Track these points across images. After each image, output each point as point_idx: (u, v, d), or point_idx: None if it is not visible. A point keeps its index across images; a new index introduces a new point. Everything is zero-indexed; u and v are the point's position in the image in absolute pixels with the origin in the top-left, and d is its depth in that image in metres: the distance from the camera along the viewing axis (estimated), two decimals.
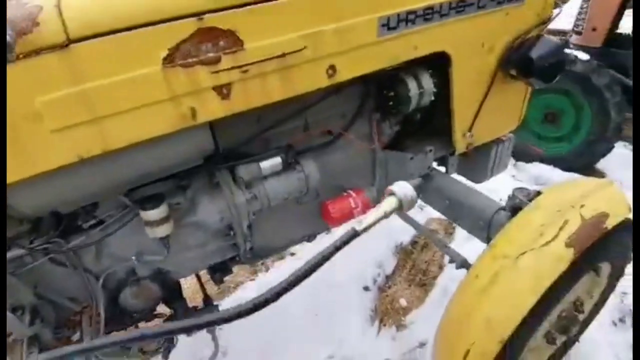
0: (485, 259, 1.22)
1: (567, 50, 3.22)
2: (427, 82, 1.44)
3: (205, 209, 1.29)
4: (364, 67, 1.22)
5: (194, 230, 1.33)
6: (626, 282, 1.63)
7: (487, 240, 1.63)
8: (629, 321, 1.97)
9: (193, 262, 1.42)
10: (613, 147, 3.23)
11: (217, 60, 1.00)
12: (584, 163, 3.33)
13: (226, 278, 1.63)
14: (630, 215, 1.23)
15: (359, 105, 1.51)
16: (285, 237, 1.64)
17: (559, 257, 1.11)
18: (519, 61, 1.51)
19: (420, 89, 1.43)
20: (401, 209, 1.09)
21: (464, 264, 1.60)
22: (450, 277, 2.28)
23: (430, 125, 1.77)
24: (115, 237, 1.21)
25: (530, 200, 1.39)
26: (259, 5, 1.01)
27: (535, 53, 1.46)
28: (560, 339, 1.52)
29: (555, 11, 1.66)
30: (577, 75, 3.11)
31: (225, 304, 2.29)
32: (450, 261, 1.69)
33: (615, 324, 1.98)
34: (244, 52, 1.02)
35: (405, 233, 2.64)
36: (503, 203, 1.62)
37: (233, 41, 1.00)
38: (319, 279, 2.38)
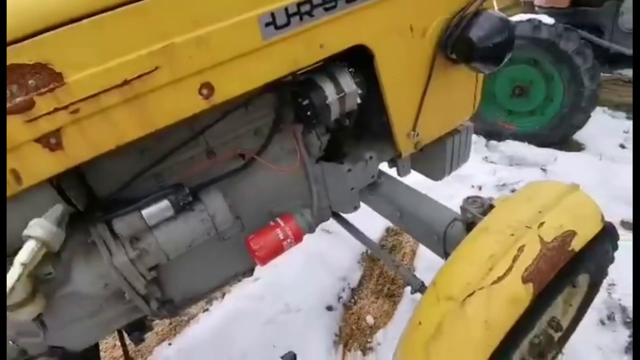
0: (428, 300, 1.00)
1: (528, 16, 2.97)
2: (348, 83, 1.18)
3: (82, 276, 1.03)
4: (251, 80, 0.96)
5: (77, 301, 1.08)
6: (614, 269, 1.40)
7: (445, 256, 1.41)
8: (619, 318, 1.78)
9: (90, 333, 1.18)
10: (589, 116, 3.00)
11: (30, 105, 0.74)
12: (560, 136, 3.12)
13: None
14: (602, 224, 1.01)
15: (275, 118, 1.26)
16: (212, 280, 1.40)
17: (515, 297, 0.88)
18: (457, 44, 1.25)
19: (339, 93, 1.18)
20: (47, 248, 0.89)
21: (419, 289, 1.39)
22: None
23: (367, 128, 1.52)
24: None
25: (484, 214, 1.17)
26: (76, 24, 0.74)
27: (474, 33, 1.21)
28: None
29: None
30: (543, 42, 2.86)
31: (181, 341, 2.06)
32: (405, 284, 1.48)
33: (603, 323, 1.79)
34: (66, 88, 0.75)
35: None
36: (458, 212, 1.40)
37: (48, 77, 0.74)
38: (276, 304, 2.20)
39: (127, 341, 1.48)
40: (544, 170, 2.94)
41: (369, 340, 1.91)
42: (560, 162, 2.96)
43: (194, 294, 1.37)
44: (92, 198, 1.06)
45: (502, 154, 3.23)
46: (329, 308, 2.10)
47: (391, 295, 2.13)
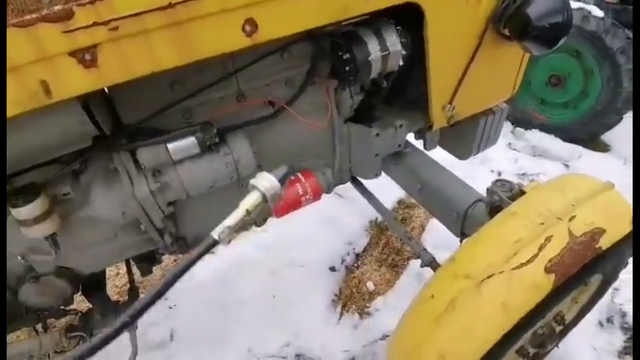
0: (443, 275, 0.99)
1: (578, 4, 2.78)
2: (394, 42, 1.12)
3: (101, 201, 1.03)
4: (297, 23, 0.91)
5: (93, 226, 1.09)
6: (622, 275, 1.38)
7: (461, 236, 1.39)
8: (618, 322, 1.78)
9: (101, 258, 1.20)
10: (622, 118, 2.87)
11: (69, 16, 0.69)
12: (588, 134, 3.01)
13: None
14: (631, 227, 0.97)
15: (309, 69, 1.20)
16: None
17: (535, 285, 0.87)
18: (513, 19, 1.17)
19: (384, 51, 1.12)
20: (266, 204, 0.86)
21: (430, 263, 1.39)
22: None
23: (402, 94, 1.46)
24: None
25: (512, 199, 1.14)
26: None
27: (533, 10, 1.13)
28: (535, 351, 1.33)
29: None
30: (588, 34, 2.71)
31: (183, 279, 2.09)
32: (415, 257, 1.48)
33: (601, 325, 1.80)
34: (108, 3, 0.71)
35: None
36: (483, 193, 1.36)
37: None
38: (282, 257, 2.23)
39: (133, 270, 1.51)
40: (566, 165, 2.86)
41: (368, 305, 1.94)
42: (584, 160, 2.88)
43: (207, 234, 1.38)
44: (118, 124, 1.04)
45: (526, 142, 3.14)
46: (332, 269, 2.13)
47: (394, 266, 2.14)
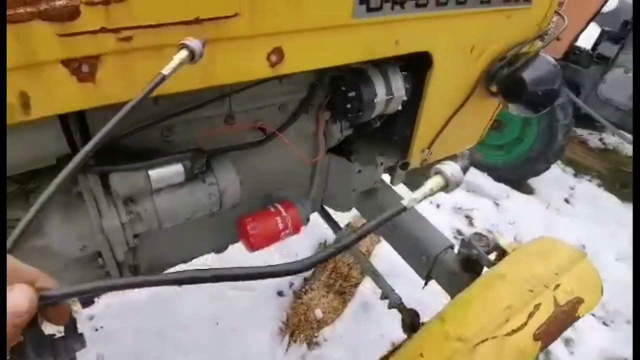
0: (433, 334, 0.97)
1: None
2: (399, 87, 1.10)
3: (58, 233, 0.84)
4: (323, 58, 0.84)
5: (41, 257, 0.88)
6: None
7: (426, 278, 1.41)
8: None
9: None
10: (550, 167, 3.18)
11: (73, 15, 0.55)
12: (518, 176, 3.29)
13: None
14: (602, 295, 1.06)
15: (305, 98, 1.13)
16: (185, 253, 1.25)
17: (523, 351, 0.89)
18: (507, 80, 1.22)
19: (388, 95, 1.08)
20: (446, 189, 0.80)
21: (397, 306, 1.38)
22: (372, 289, 2.08)
23: (385, 132, 1.44)
24: None
25: (488, 253, 1.18)
26: None
27: (528, 75, 1.18)
28: None
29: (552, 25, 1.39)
30: None
31: (121, 302, 1.83)
32: (382, 297, 1.46)
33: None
34: (125, 7, 0.58)
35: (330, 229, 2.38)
36: (453, 241, 1.41)
37: None
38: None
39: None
40: (497, 204, 3.11)
41: (316, 334, 1.88)
42: (512, 201, 3.16)
43: (162, 264, 1.22)
44: (86, 138, 0.86)
45: None
46: (280, 293, 2.04)
47: (342, 293, 2.12)
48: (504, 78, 1.22)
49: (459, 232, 2.79)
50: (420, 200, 0.62)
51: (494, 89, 1.30)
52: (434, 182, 0.71)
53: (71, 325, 1.06)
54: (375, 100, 1.06)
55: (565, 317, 0.94)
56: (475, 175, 3.33)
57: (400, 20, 0.89)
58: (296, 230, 1.22)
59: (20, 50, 0.53)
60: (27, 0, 0.51)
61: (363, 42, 0.87)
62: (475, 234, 1.25)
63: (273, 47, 0.74)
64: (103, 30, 0.58)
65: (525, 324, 0.91)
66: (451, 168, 0.71)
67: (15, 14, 0.50)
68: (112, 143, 0.86)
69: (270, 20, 0.70)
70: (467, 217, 2.90)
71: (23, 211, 0.80)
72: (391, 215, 0.56)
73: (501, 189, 3.26)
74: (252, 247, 1.18)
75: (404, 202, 0.58)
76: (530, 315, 0.92)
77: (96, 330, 1.70)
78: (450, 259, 1.33)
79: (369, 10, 0.82)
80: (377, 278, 1.46)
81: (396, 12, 0.86)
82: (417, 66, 1.12)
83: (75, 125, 0.75)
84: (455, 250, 1.37)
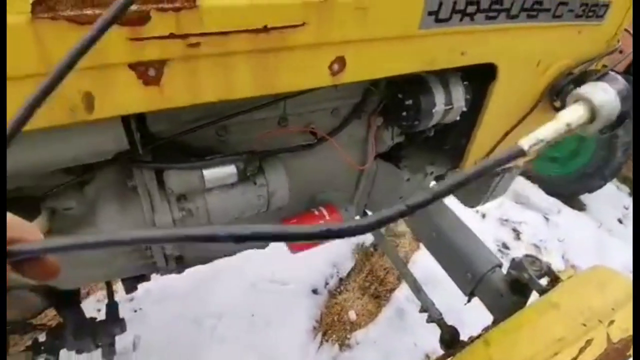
0: (477, 357, 0.94)
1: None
2: (459, 98, 1.05)
3: (111, 225, 0.87)
4: (384, 68, 0.81)
5: None
6: None
7: (469, 295, 1.36)
8: None
9: (90, 278, 1.05)
10: (605, 184, 2.97)
11: (143, 20, 0.55)
12: (570, 192, 3.10)
13: None
14: None
15: (358, 103, 1.11)
16: (228, 248, 1.27)
17: None
18: None
19: (447, 105, 1.04)
20: (589, 128, 0.67)
21: (437, 321, 1.34)
22: (407, 297, 2.04)
23: (437, 141, 1.39)
24: None
25: (540, 277, 1.12)
26: None
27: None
28: None
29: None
30: None
31: (160, 286, 1.90)
32: (422, 310, 1.43)
33: None
34: (195, 14, 0.58)
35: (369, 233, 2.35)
36: (497, 254, 1.34)
37: None
38: (263, 269, 2.10)
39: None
40: (546, 219, 2.95)
41: (348, 336, 1.88)
42: (563, 216, 2.98)
43: (205, 256, 1.25)
44: (146, 137, 0.88)
45: (510, 187, 3.21)
46: (314, 291, 2.04)
47: (377, 296, 2.10)
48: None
49: (504, 245, 2.67)
50: (549, 143, 0.46)
51: (557, 104, 1.22)
52: (573, 113, 0.51)
53: (113, 310, 1.10)
54: (433, 110, 1.02)
55: (616, 356, 0.88)
56: (525, 187, 3.17)
57: (468, 32, 0.84)
58: None
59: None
60: (95, 2, 0.52)
61: (427, 53, 0.83)
62: (527, 256, 1.19)
63: (336, 56, 0.73)
64: (172, 36, 0.58)
65: (575, 359, 0.85)
66: (601, 92, 0.54)
67: (81, 14, 0.51)
68: (169, 140, 0.89)
69: (336, 29, 0.69)
70: (514, 230, 2.76)
71: (77, 202, 0.84)
72: (502, 160, 0.41)
73: (552, 203, 3.08)
74: (294, 248, 1.18)
75: (523, 145, 0.46)
76: (582, 350, 0.87)
77: (135, 311, 1.78)
78: (497, 278, 1.28)
79: (438, 21, 0.78)
80: (417, 290, 1.42)
81: (465, 24, 0.82)
82: (479, 76, 1.07)
83: (135, 123, 0.77)
84: (504, 269, 1.31)
